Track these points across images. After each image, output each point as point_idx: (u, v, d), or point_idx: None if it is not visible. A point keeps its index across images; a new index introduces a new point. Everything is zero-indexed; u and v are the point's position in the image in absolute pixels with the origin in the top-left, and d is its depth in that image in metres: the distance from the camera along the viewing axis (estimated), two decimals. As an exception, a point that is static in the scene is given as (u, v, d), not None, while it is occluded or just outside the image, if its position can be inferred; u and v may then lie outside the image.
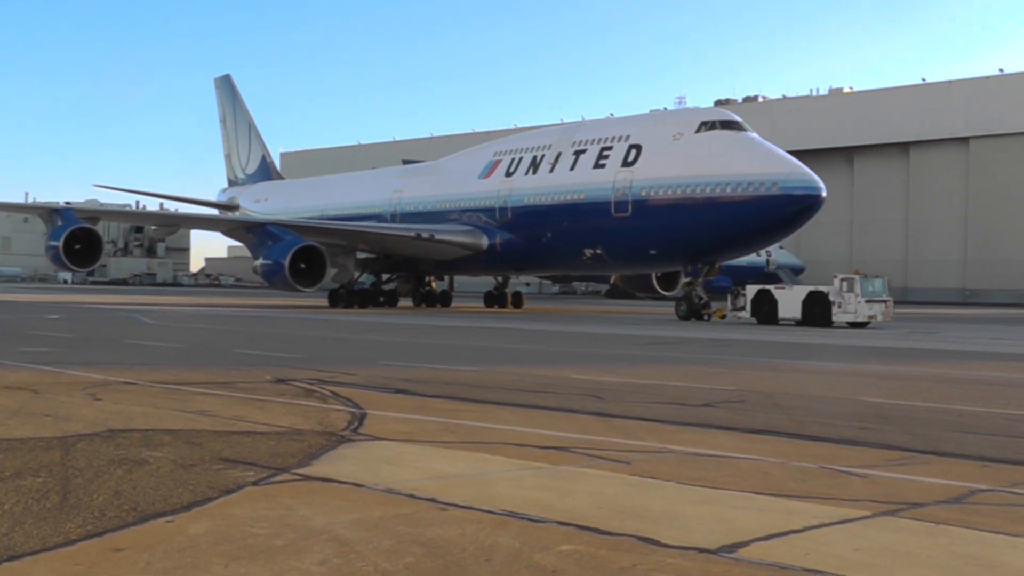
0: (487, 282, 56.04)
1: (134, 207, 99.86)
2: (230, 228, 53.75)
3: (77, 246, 42.60)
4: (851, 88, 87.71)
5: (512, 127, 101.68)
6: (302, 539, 5.11)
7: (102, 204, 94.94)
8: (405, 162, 69.40)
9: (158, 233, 56.85)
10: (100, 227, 48.77)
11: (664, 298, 50.99)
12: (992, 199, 76.63)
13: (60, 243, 42.10)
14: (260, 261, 43.87)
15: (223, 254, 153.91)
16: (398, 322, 32.96)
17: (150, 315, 34.25)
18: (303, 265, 42.44)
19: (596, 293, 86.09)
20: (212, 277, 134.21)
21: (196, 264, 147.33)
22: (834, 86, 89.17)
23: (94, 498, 5.93)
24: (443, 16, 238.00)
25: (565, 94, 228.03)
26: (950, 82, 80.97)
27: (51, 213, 45.57)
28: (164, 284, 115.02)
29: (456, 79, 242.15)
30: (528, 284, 74.14)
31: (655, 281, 48.75)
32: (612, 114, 77.34)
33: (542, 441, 8.44)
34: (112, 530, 5.22)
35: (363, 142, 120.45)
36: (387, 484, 6.49)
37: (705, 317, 37.22)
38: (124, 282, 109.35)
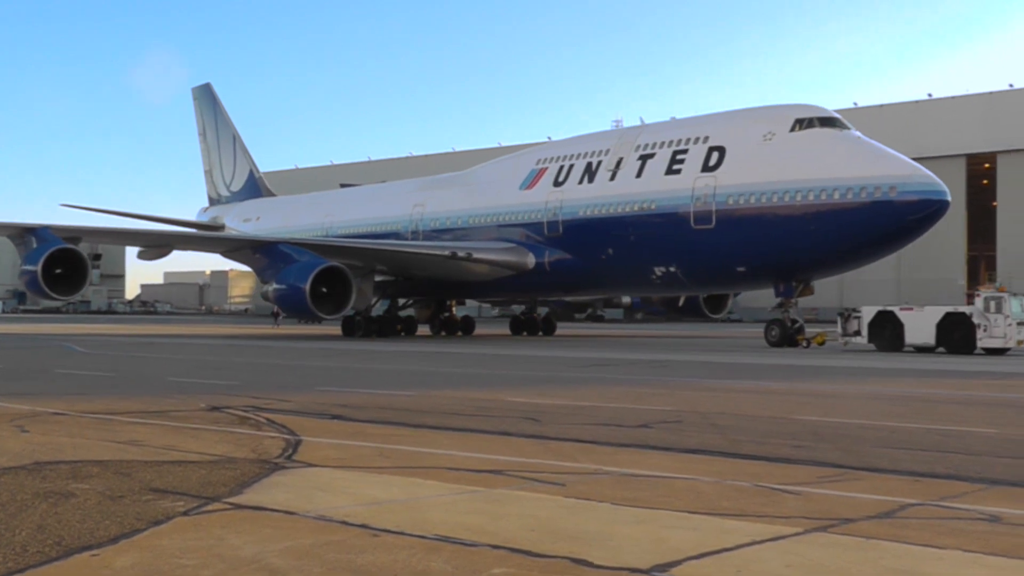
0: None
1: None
2: (233, 248, 48.96)
3: (58, 270, 38.02)
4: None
5: (450, 150, 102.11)
6: (231, 569, 5.01)
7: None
8: (343, 186, 68.30)
9: (145, 255, 50.44)
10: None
11: (711, 320, 47.50)
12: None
13: (39, 267, 37.37)
14: (273, 286, 39.47)
15: (159, 280, 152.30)
16: (416, 350, 32.67)
17: (83, 344, 33.64)
18: (324, 289, 38.26)
19: None
20: (148, 304, 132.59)
21: (131, 291, 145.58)
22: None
23: (16, 534, 5.76)
24: (376, 39, 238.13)
25: (501, 118, 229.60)
26: (881, 106, 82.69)
27: (24, 233, 40.33)
28: (98, 312, 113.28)
29: (392, 103, 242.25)
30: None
31: (702, 302, 45.04)
32: (549, 137, 77.59)
33: (477, 465, 8.40)
34: (34, 566, 5.07)
35: (300, 166, 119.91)
36: (319, 511, 6.41)
37: (803, 344, 33.27)
38: (57, 311, 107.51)
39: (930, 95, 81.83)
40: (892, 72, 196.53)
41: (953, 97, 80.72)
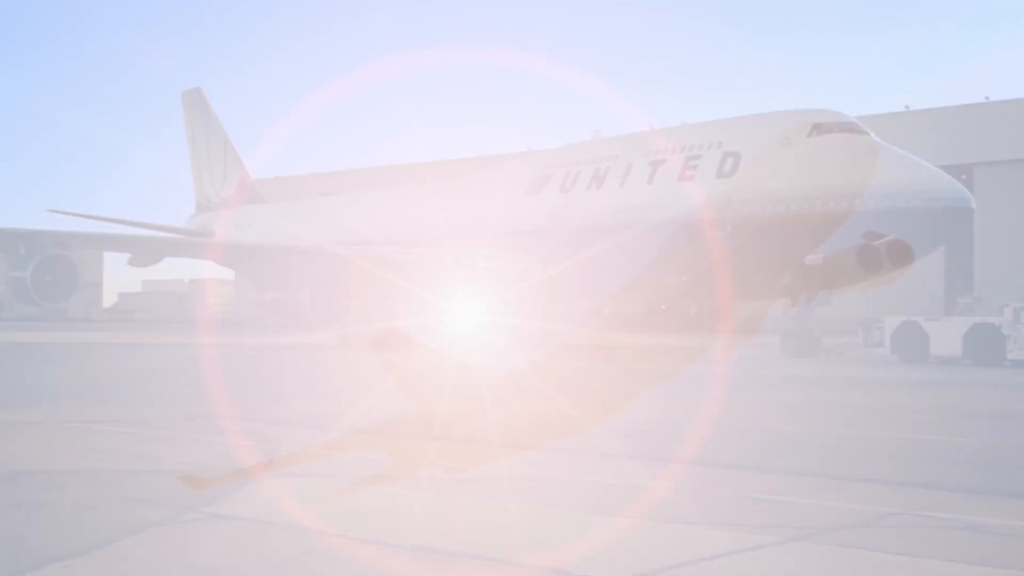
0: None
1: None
2: (230, 255, 47.74)
3: (47, 277, 36.84)
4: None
5: (429, 160, 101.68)
6: (206, 579, 4.96)
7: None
8: (322, 195, 67.12)
9: (136, 262, 47.96)
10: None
11: (709, 330, 47.78)
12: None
13: (28, 273, 36.28)
14: (271, 294, 39.09)
15: (137, 289, 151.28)
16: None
17: (59, 352, 33.33)
18: (322, 298, 37.03)
19: None
20: (126, 313, 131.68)
21: (109, 299, 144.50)
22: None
23: (-12, 542, 5.69)
24: (353, 48, 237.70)
25: (484, 128, 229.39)
26: (860, 118, 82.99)
27: (13, 239, 38.96)
28: (75, 320, 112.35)
29: (369, 112, 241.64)
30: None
31: (709, 313, 41.52)
32: (529, 147, 77.15)
33: (456, 474, 8.35)
34: (5, 576, 5.02)
35: (280, 174, 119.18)
36: (295, 521, 6.35)
37: (821, 355, 31.32)
38: (34, 318, 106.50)
39: (907, 107, 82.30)
40: (871, 83, 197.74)
41: (930, 109, 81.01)
